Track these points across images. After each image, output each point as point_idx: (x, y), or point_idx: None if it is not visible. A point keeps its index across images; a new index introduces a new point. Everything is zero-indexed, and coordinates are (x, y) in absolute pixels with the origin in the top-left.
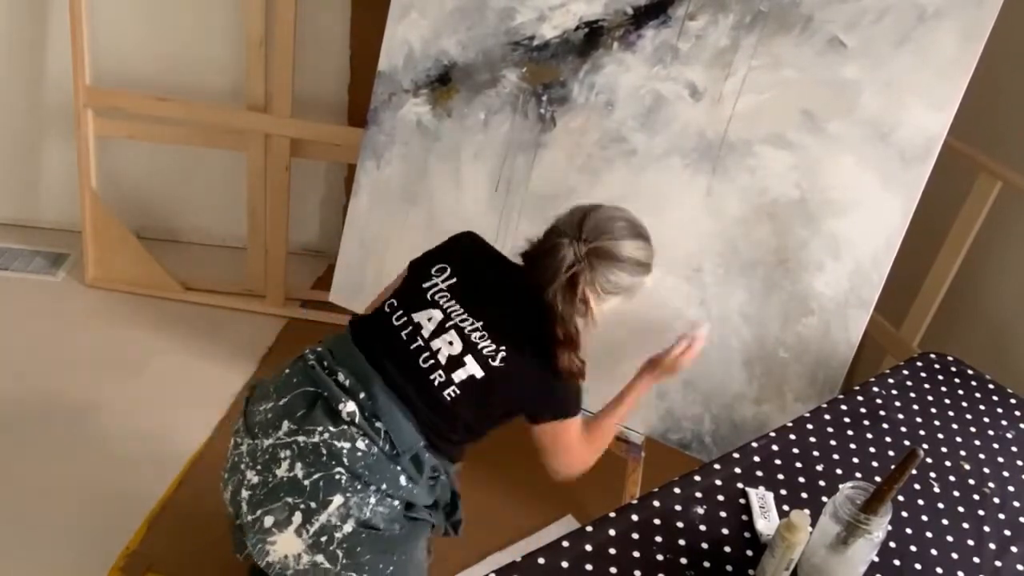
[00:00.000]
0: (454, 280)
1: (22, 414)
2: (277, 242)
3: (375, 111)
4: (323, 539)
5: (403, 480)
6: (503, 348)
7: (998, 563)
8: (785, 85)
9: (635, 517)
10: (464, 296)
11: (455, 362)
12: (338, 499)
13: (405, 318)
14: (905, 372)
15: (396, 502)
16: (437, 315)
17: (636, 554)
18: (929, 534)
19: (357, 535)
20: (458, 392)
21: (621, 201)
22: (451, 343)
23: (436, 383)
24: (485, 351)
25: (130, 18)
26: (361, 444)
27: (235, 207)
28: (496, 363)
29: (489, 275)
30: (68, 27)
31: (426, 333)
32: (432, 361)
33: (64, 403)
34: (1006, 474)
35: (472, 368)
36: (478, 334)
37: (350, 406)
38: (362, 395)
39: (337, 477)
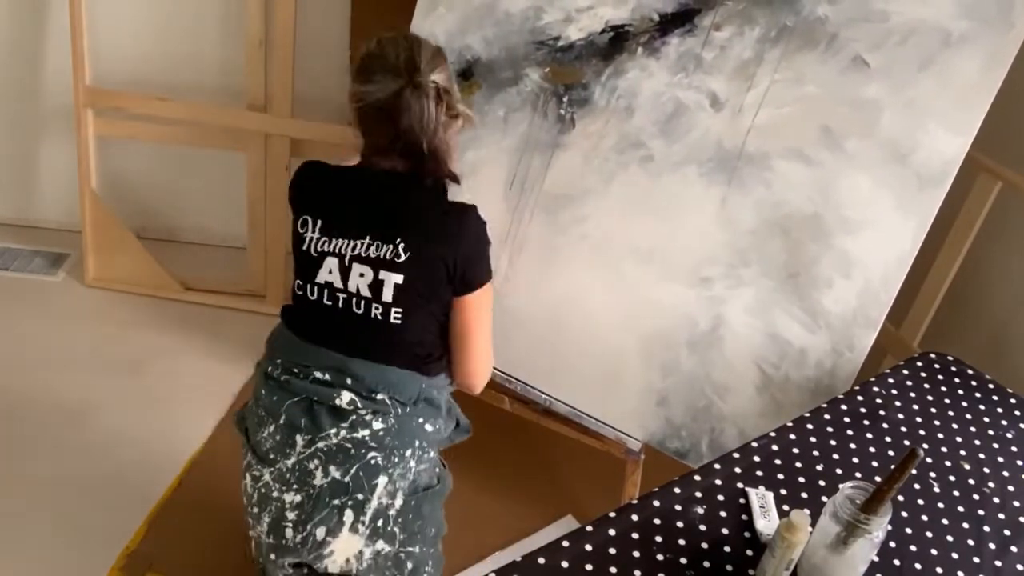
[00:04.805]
0: (320, 222)
1: (22, 414)
2: (277, 242)
3: None
4: (379, 524)
5: (428, 427)
6: (399, 240)
7: (998, 563)
8: (806, 101)
9: (635, 517)
10: (338, 227)
11: (376, 286)
12: (382, 480)
13: (315, 287)
14: (905, 372)
15: (431, 451)
16: (333, 262)
17: (636, 554)
18: (929, 534)
19: (407, 505)
20: (399, 310)
21: (634, 207)
22: (362, 274)
23: (379, 317)
24: (388, 255)
25: (130, 18)
26: (377, 424)
27: (235, 207)
28: (403, 258)
29: (344, 193)
30: (68, 27)
31: (338, 283)
32: (363, 302)
33: (64, 403)
34: (1006, 474)
35: (391, 278)
36: (374, 248)
37: (345, 396)
38: (348, 381)
39: (373, 462)
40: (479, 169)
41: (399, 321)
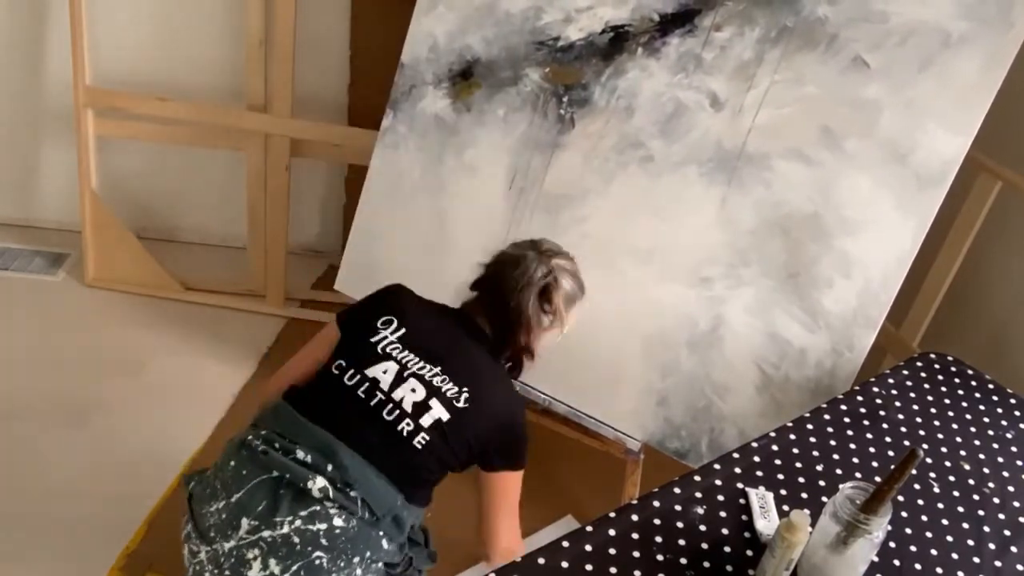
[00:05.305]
0: (403, 331)
1: (22, 414)
2: (277, 242)
3: (395, 102)
4: None
5: (385, 543)
6: (465, 389)
7: (998, 563)
8: (806, 101)
9: (635, 517)
10: (416, 344)
11: (421, 408)
12: None
13: (359, 376)
14: (905, 372)
15: (380, 564)
16: (392, 367)
17: (636, 554)
18: (929, 534)
19: None
20: (428, 437)
21: (634, 207)
22: (414, 390)
23: (405, 432)
24: (449, 393)
25: (130, 18)
26: (339, 520)
27: (235, 207)
28: (461, 404)
29: (435, 321)
30: (68, 27)
31: (385, 386)
32: (397, 412)
33: (64, 403)
34: (1006, 474)
35: (438, 411)
36: (439, 378)
37: (320, 482)
38: (329, 467)
39: (317, 562)
40: (479, 169)
41: (420, 447)
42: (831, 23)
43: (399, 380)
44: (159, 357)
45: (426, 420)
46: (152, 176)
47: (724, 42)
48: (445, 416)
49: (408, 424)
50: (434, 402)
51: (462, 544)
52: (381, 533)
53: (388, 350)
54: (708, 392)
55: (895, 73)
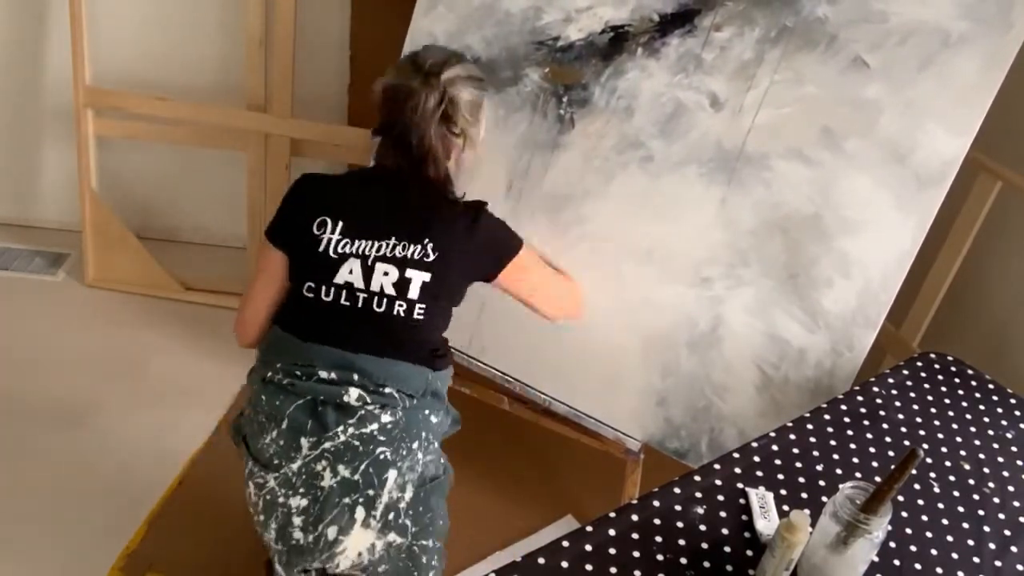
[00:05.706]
0: (341, 224)
1: (22, 414)
2: None
3: None
4: (390, 517)
5: (434, 419)
6: (427, 240)
7: (998, 563)
8: (806, 101)
9: (635, 517)
10: (361, 230)
11: (402, 284)
12: (391, 473)
13: (332, 288)
14: (905, 372)
15: (436, 443)
16: (355, 263)
17: (636, 554)
18: (929, 534)
19: (417, 497)
20: (424, 305)
21: (634, 207)
22: (386, 273)
23: (402, 314)
24: (417, 255)
25: (130, 18)
26: (386, 417)
27: (235, 207)
28: (432, 257)
29: (362, 195)
30: (68, 27)
31: (360, 284)
32: (385, 300)
33: (64, 403)
34: (1006, 474)
35: (418, 277)
36: (400, 248)
37: (353, 392)
38: (355, 377)
39: (382, 456)
40: (478, 169)
41: (422, 317)
42: (831, 23)
43: (368, 272)
44: (159, 357)
45: (413, 292)
46: (152, 176)
47: (724, 42)
48: (427, 277)
49: (400, 305)
50: (410, 272)
51: (462, 544)
52: (427, 411)
53: (341, 250)
54: (708, 392)
55: (895, 73)
